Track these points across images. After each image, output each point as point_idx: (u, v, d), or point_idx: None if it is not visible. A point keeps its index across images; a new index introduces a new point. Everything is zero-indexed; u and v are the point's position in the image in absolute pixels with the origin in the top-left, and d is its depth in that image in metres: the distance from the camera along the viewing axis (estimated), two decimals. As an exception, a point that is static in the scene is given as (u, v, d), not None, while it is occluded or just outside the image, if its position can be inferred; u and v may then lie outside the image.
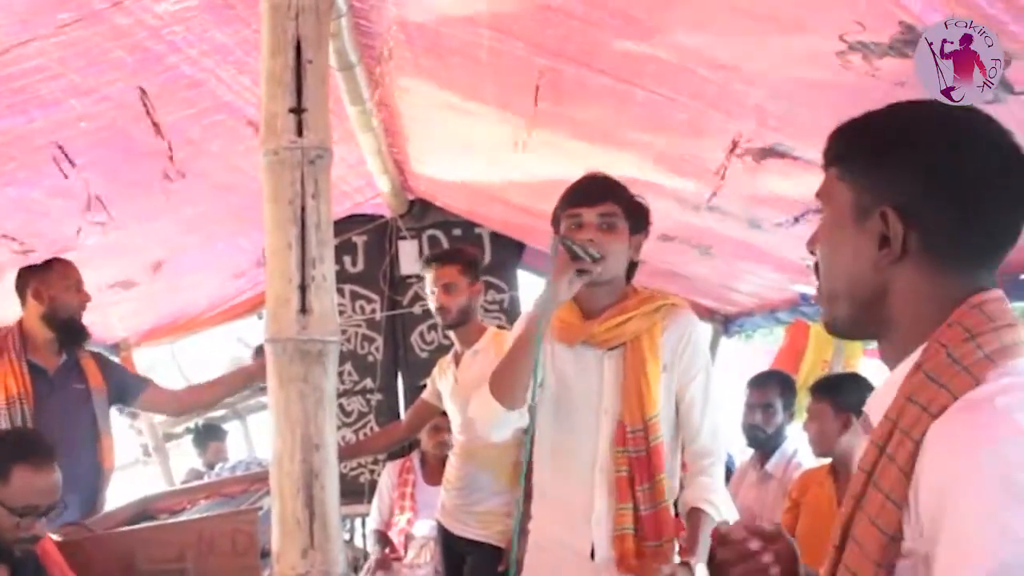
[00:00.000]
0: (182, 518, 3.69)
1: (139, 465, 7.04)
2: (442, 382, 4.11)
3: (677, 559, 2.63)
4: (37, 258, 3.73)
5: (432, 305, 3.97)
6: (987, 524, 1.08)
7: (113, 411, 4.08)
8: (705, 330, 6.18)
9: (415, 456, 5.38)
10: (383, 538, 5.25)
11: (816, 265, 1.41)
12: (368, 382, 6.30)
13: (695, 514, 2.61)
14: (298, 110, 1.98)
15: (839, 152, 1.35)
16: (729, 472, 4.67)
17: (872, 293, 1.31)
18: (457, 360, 4.01)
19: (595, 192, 2.62)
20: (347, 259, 6.28)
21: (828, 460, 3.75)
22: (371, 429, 6.17)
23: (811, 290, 4.50)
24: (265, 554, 3.17)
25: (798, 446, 4.32)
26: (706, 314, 6.11)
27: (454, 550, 4.14)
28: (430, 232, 6.30)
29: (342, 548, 2.02)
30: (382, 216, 6.21)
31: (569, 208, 2.62)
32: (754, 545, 1.52)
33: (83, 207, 3.57)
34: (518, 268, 6.44)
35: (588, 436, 2.66)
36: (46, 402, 3.68)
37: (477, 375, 3.73)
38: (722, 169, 3.12)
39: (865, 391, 3.23)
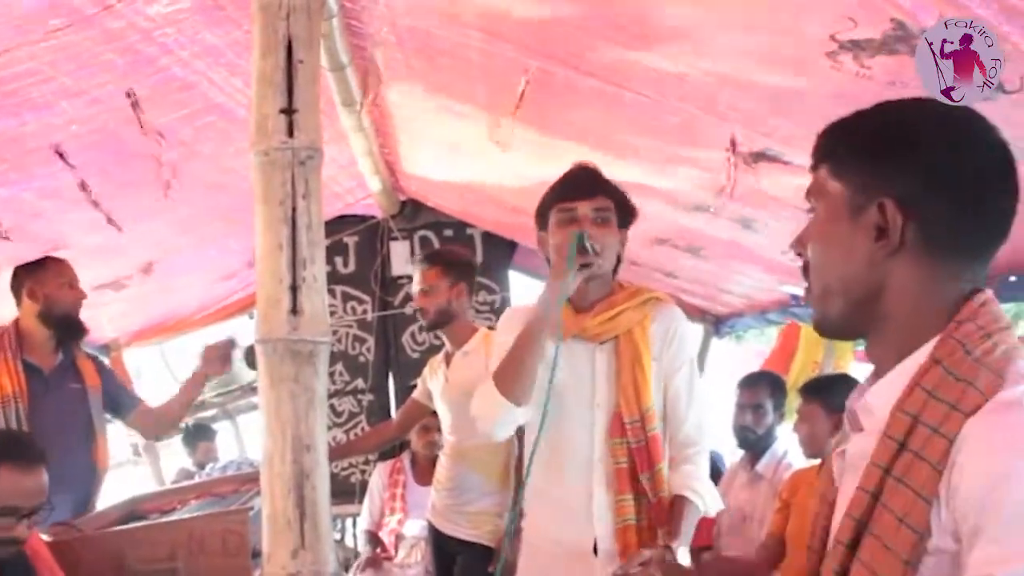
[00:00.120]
0: (172, 518, 3.67)
1: (129, 465, 7.04)
2: (433, 382, 4.11)
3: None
4: (21, 252, 3.73)
5: None
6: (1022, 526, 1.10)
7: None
8: (695, 330, 6.20)
9: (406, 456, 5.39)
10: (374, 538, 5.26)
11: (804, 265, 1.41)
12: (359, 382, 6.30)
13: (679, 501, 2.63)
14: (289, 111, 1.98)
15: (831, 149, 1.36)
16: (719, 472, 4.68)
17: (867, 288, 1.31)
18: (448, 360, 4.01)
19: (589, 185, 2.62)
20: (338, 260, 6.28)
21: (818, 461, 3.76)
22: (362, 429, 6.17)
23: (801, 291, 4.50)
24: (256, 554, 3.16)
25: (788, 447, 4.33)
26: (697, 315, 6.11)
27: (445, 550, 4.14)
28: (421, 233, 6.30)
29: (333, 548, 2.02)
30: (373, 217, 6.21)
31: (563, 201, 2.61)
32: None
33: (75, 208, 3.57)
34: (509, 269, 6.44)
35: (582, 430, 2.65)
36: (41, 401, 3.67)
37: (468, 376, 3.74)
38: (730, 170, 3.12)
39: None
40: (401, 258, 6.18)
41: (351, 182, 5.28)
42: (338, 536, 6.57)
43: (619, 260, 2.73)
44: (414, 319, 6.08)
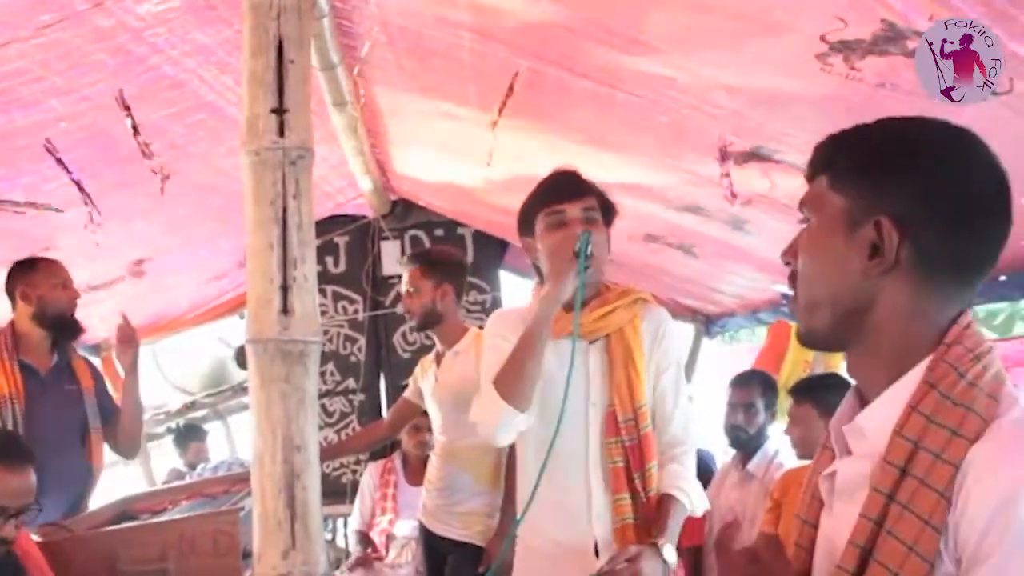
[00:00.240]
0: (163, 519, 3.67)
1: (120, 465, 7.02)
2: (424, 382, 4.10)
3: None
4: (12, 252, 3.72)
5: None
6: None
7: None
8: (686, 329, 6.20)
9: (397, 456, 5.38)
10: (365, 538, 5.25)
11: (792, 274, 1.40)
12: (350, 382, 6.30)
13: (666, 499, 2.62)
14: (280, 110, 1.98)
15: (831, 161, 1.35)
16: (710, 472, 4.68)
17: (856, 303, 1.31)
18: (438, 360, 4.00)
19: (575, 187, 2.61)
20: (329, 259, 6.28)
21: (810, 461, 3.76)
22: (353, 429, 6.17)
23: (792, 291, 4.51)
24: (247, 554, 3.16)
25: (780, 446, 4.33)
26: (688, 314, 6.12)
27: (436, 550, 4.13)
28: (412, 232, 6.30)
29: (324, 549, 2.02)
30: (364, 216, 6.21)
31: (550, 205, 2.60)
32: None
33: (65, 206, 3.57)
34: (500, 269, 6.44)
35: (577, 430, 2.64)
36: (37, 402, 3.67)
37: (458, 375, 3.73)
38: (725, 171, 3.12)
39: (846, 392, 3.24)
40: (392, 258, 6.17)
41: (342, 182, 5.28)
42: (329, 536, 6.56)
43: None
44: (405, 319, 6.06)
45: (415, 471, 5.10)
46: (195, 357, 8.49)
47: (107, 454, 4.00)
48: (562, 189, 2.62)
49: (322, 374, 6.06)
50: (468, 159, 4.41)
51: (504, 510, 3.78)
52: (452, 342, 3.92)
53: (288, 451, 1.94)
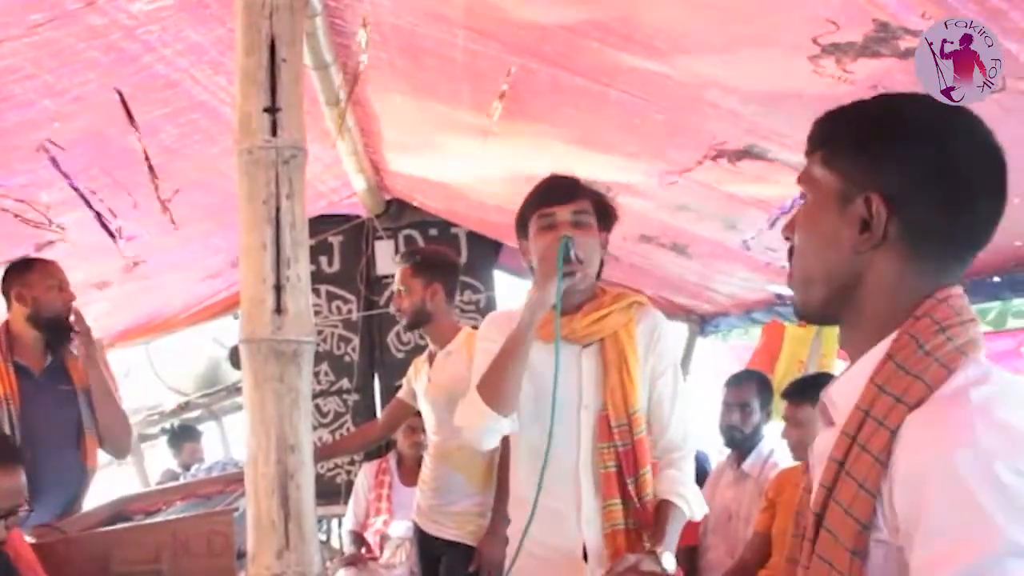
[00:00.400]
0: (158, 519, 3.66)
1: (114, 466, 7.01)
2: (417, 382, 4.10)
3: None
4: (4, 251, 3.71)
5: None
6: (964, 519, 1.09)
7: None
8: (680, 330, 6.20)
9: (391, 457, 5.38)
10: (359, 539, 5.25)
11: (791, 250, 1.42)
12: (344, 382, 6.30)
13: (664, 506, 2.61)
14: (272, 109, 1.97)
15: (826, 137, 1.36)
16: (705, 473, 4.69)
17: (847, 278, 1.32)
18: (431, 360, 4.00)
19: (566, 190, 2.61)
20: (323, 259, 6.28)
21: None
22: (347, 429, 6.17)
23: (786, 290, 4.52)
24: (241, 555, 3.15)
25: (774, 446, 4.34)
26: (682, 314, 6.12)
27: (430, 550, 4.13)
28: (406, 232, 6.30)
29: (318, 549, 2.02)
30: (358, 216, 6.21)
31: (541, 208, 2.59)
32: None
33: (59, 205, 3.56)
34: (495, 268, 6.44)
35: (569, 434, 2.63)
36: (31, 403, 3.66)
37: (450, 375, 3.73)
38: (714, 169, 3.12)
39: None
40: (386, 257, 6.17)
41: (335, 181, 5.27)
42: (323, 537, 6.57)
43: (601, 263, 2.73)
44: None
45: (409, 471, 5.10)
46: (189, 357, 8.47)
47: (101, 455, 3.99)
48: (554, 192, 2.61)
49: (316, 374, 6.06)
50: (462, 158, 4.40)
51: (496, 509, 3.77)
52: (444, 342, 3.92)
53: (282, 451, 1.94)
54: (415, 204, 6.13)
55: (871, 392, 1.26)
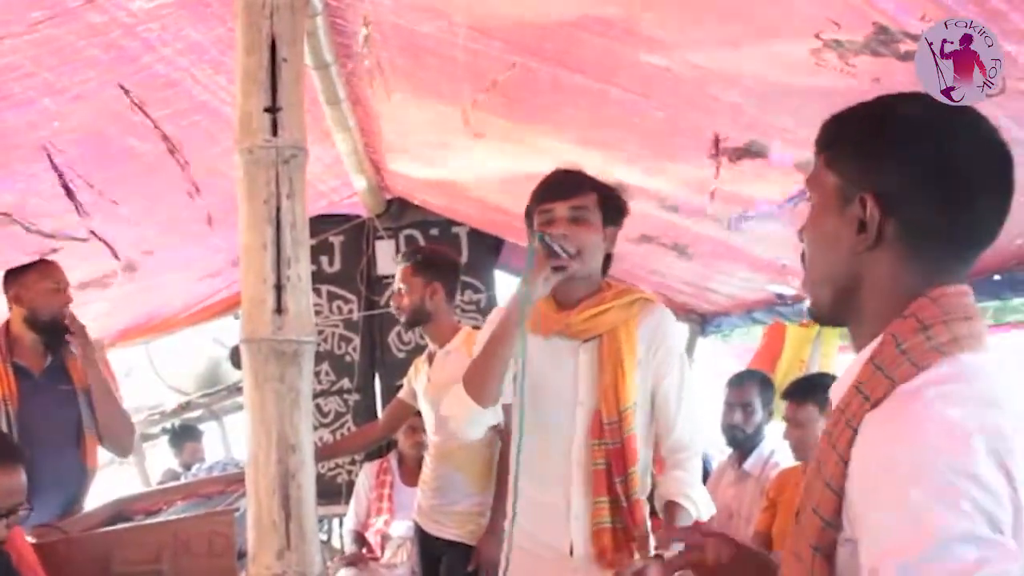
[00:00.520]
0: (159, 519, 3.66)
1: (115, 466, 7.01)
2: (417, 382, 4.10)
3: (651, 552, 2.64)
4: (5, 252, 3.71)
5: None
6: (902, 517, 1.10)
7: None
8: (681, 328, 6.19)
9: (392, 457, 5.38)
10: (360, 538, 5.25)
11: (803, 253, 1.43)
12: (345, 382, 6.29)
13: (671, 508, 2.61)
14: (273, 109, 1.97)
15: (830, 139, 1.37)
16: (707, 472, 4.68)
17: (848, 279, 1.33)
18: (431, 360, 4.00)
19: (566, 186, 2.61)
20: (324, 259, 6.27)
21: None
22: (348, 429, 6.17)
23: (787, 290, 4.52)
24: (242, 555, 3.15)
25: (776, 446, 4.34)
26: (683, 313, 6.11)
27: (431, 550, 4.13)
28: (407, 232, 6.29)
29: (318, 549, 2.02)
30: (359, 216, 6.20)
31: (541, 203, 2.61)
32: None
33: (58, 205, 3.55)
34: (496, 268, 6.43)
35: (563, 429, 2.64)
36: (31, 403, 3.67)
37: (450, 375, 3.73)
38: (715, 168, 3.12)
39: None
40: (387, 257, 6.16)
41: (336, 181, 5.26)
42: (324, 537, 6.56)
43: (609, 258, 2.72)
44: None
45: (410, 471, 5.10)
46: (190, 357, 8.49)
47: (102, 455, 3.99)
48: (552, 188, 2.62)
49: (316, 374, 6.05)
50: (463, 157, 4.40)
51: (495, 508, 3.78)
52: (443, 341, 3.92)
53: (283, 451, 1.94)
54: (416, 203, 6.12)
55: (850, 393, 1.27)
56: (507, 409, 2.79)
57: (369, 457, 5.61)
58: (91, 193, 3.57)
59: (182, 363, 8.36)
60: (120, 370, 6.09)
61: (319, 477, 2.30)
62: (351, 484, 5.72)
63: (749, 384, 4.49)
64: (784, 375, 5.39)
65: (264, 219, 1.95)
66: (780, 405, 4.26)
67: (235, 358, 7.15)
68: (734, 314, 5.68)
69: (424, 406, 4.04)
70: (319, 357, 6.00)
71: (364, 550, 5.15)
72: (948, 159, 1.24)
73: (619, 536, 2.60)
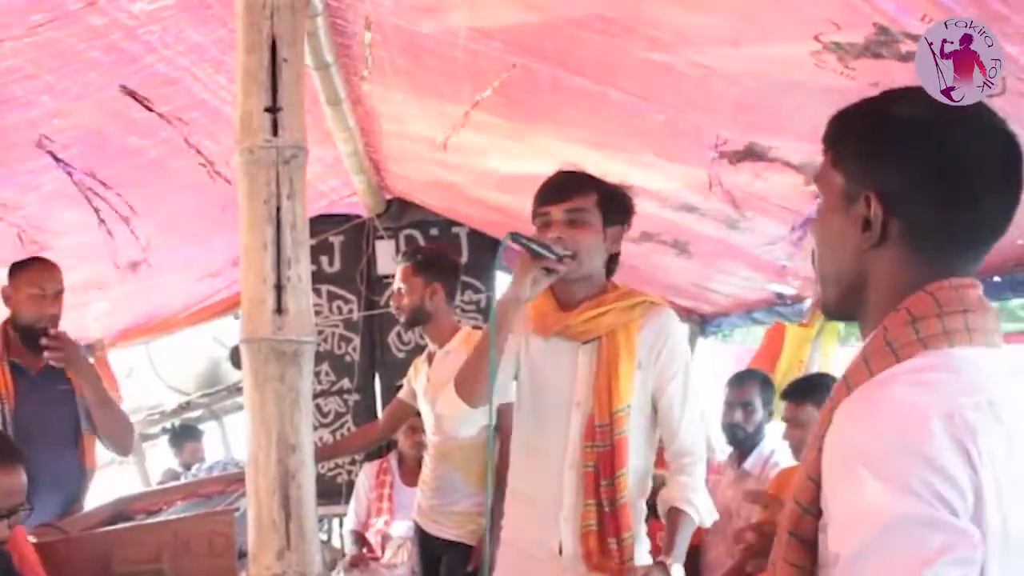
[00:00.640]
0: (159, 519, 3.66)
1: (115, 465, 7.00)
2: (416, 382, 4.10)
3: (649, 559, 2.64)
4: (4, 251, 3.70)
5: None
6: (856, 500, 1.12)
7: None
8: (683, 330, 6.19)
9: (393, 457, 5.38)
10: (360, 539, 5.25)
11: (813, 250, 1.44)
12: (345, 382, 6.30)
13: (674, 514, 2.61)
14: (273, 109, 1.97)
15: (836, 138, 1.37)
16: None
17: (854, 277, 1.33)
18: (431, 360, 4.01)
19: (562, 188, 2.61)
20: (324, 259, 6.26)
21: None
22: (348, 429, 6.17)
23: (787, 289, 4.52)
24: (242, 555, 3.15)
25: (775, 445, 4.34)
26: (683, 314, 6.11)
27: (431, 550, 4.13)
28: (407, 232, 6.29)
29: (318, 549, 2.02)
30: (359, 216, 6.20)
31: (539, 207, 2.61)
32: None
33: (58, 205, 3.56)
34: (496, 268, 6.42)
35: (559, 430, 2.63)
36: (28, 402, 3.64)
37: (449, 375, 3.72)
38: (714, 170, 3.12)
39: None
40: (387, 257, 6.16)
41: (336, 181, 5.26)
42: (324, 537, 6.56)
43: (614, 259, 2.72)
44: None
45: (411, 471, 5.10)
46: (190, 357, 8.48)
47: (102, 454, 3.98)
48: (549, 191, 2.62)
49: (317, 374, 6.05)
50: (463, 157, 4.40)
51: (494, 508, 3.78)
52: (443, 341, 3.92)
53: (282, 451, 1.94)
54: (416, 203, 6.13)
55: (839, 384, 1.28)
56: (507, 409, 2.80)
57: (369, 457, 5.61)
58: (95, 191, 3.57)
59: (182, 363, 8.36)
60: (120, 370, 6.09)
61: (319, 477, 2.31)
62: (351, 484, 5.72)
63: (750, 383, 4.49)
64: (783, 375, 5.39)
65: (264, 219, 1.95)
66: (780, 405, 4.26)
67: (235, 358, 7.15)
68: (734, 314, 5.68)
69: (423, 406, 4.04)
70: (319, 357, 6.00)
71: (364, 550, 5.15)
72: (948, 159, 1.24)
73: (604, 539, 2.59)
